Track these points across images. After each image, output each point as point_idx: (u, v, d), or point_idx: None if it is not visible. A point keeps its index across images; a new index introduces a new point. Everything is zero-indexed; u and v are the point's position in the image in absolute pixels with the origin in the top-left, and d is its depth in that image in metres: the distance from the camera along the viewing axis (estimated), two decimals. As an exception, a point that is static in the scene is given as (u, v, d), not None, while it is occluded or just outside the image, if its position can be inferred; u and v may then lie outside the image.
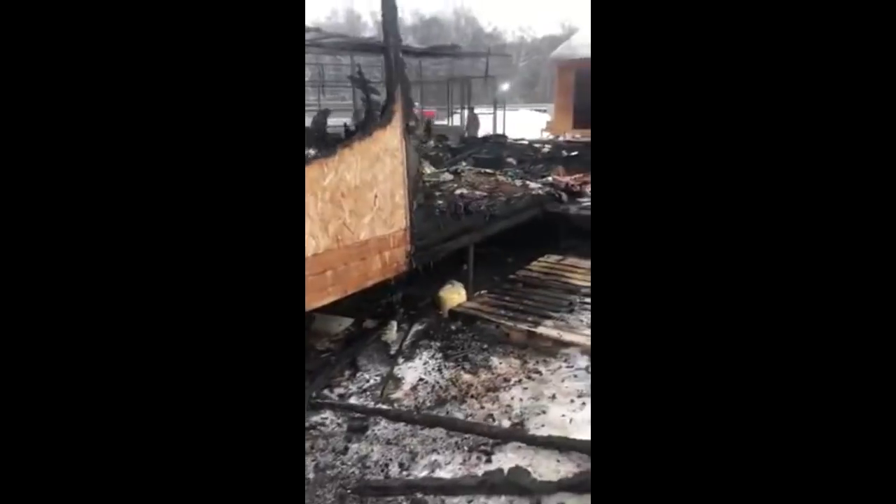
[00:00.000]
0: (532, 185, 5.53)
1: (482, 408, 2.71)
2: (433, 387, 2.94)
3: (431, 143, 7.49)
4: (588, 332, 3.26)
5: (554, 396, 2.76)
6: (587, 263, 4.60)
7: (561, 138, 12.76)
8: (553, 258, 4.80)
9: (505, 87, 14.01)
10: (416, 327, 3.73)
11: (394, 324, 3.73)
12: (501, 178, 5.59)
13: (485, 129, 12.10)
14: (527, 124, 15.71)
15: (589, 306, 3.69)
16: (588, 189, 5.34)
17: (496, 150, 8.69)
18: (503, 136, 11.12)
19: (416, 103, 18.28)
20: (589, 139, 11.23)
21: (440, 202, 4.42)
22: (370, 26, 45.81)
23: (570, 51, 14.65)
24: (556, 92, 14.99)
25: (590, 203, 5.09)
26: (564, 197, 5.15)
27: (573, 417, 2.54)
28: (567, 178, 5.49)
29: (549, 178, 5.53)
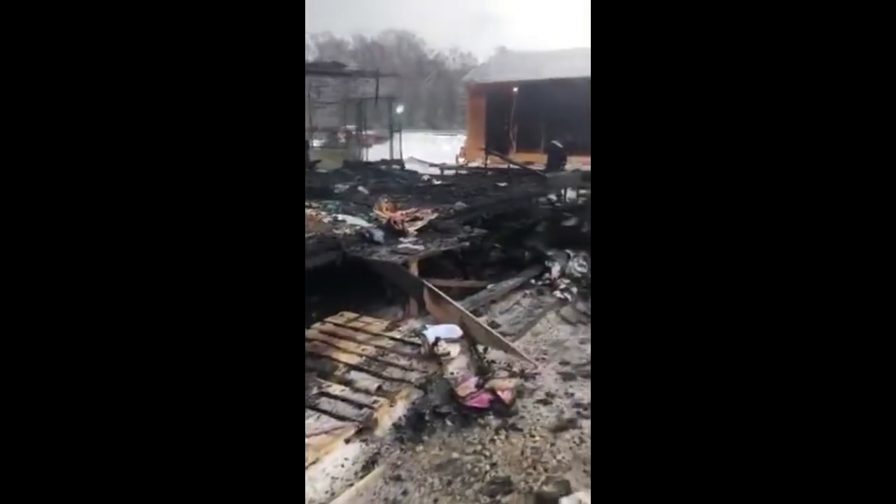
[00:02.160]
0: (351, 220, 4.52)
1: None
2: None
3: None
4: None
5: None
6: (381, 324, 3.57)
7: (473, 164, 12.07)
8: (347, 316, 3.73)
9: (400, 109, 13.11)
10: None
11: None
12: (312, 212, 4.55)
13: (381, 154, 11.14)
14: (451, 151, 14.92)
15: (330, 399, 2.63)
16: (413, 228, 4.37)
17: (367, 175, 7.75)
18: (399, 162, 10.23)
19: (371, 129, 17.04)
20: (493, 165, 10.56)
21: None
22: (312, 48, 45.09)
23: (479, 76, 14.10)
24: (469, 117, 14.33)
25: (407, 246, 4.10)
26: (378, 236, 4.14)
27: None
28: (393, 213, 4.50)
29: (373, 213, 4.54)
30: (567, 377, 3.09)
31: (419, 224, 4.42)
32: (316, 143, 11.63)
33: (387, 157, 11.03)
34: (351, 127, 15.23)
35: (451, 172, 8.70)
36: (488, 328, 3.36)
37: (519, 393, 2.84)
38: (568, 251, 4.89)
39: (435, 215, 4.58)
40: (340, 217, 4.48)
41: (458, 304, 3.45)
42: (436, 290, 3.51)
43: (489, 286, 4.35)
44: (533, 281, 4.69)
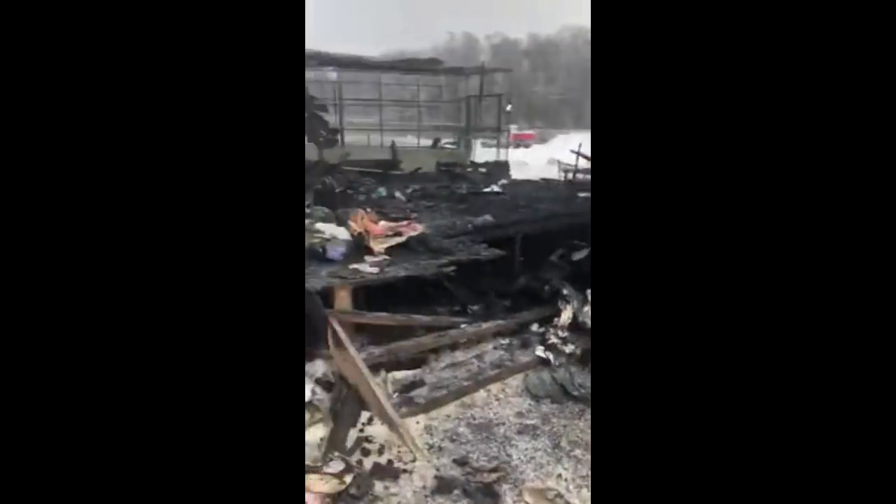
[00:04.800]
0: (332, 230, 4.02)
1: None
2: None
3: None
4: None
5: None
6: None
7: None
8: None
9: (509, 107, 11.81)
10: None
11: None
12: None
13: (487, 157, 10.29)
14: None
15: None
16: (382, 246, 3.67)
17: (443, 180, 7.16)
18: (503, 165, 9.39)
19: (513, 126, 16.12)
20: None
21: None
22: (486, 48, 45.91)
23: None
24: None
25: (359, 267, 3.44)
26: (336, 253, 3.56)
27: None
28: (371, 226, 3.86)
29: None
30: (444, 487, 2.13)
31: (391, 242, 3.71)
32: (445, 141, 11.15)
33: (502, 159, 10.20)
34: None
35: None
36: (381, 392, 2.54)
37: (340, 498, 2.02)
38: (590, 291, 3.67)
39: (416, 232, 3.81)
40: (319, 226, 3.99)
41: (354, 352, 2.70)
42: (339, 329, 2.81)
43: (462, 326, 3.44)
44: (537, 326, 3.62)
